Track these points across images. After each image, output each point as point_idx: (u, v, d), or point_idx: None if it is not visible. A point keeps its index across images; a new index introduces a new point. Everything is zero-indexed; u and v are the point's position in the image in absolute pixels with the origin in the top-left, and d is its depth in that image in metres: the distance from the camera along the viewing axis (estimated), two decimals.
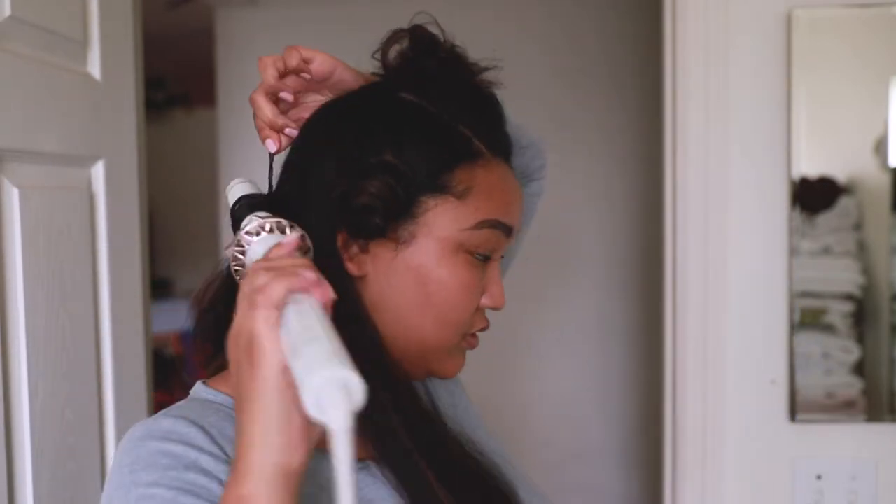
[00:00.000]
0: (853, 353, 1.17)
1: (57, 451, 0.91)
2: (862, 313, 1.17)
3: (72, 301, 0.95)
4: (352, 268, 0.65)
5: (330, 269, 0.64)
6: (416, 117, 0.66)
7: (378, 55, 0.69)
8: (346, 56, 0.70)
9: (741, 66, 1.18)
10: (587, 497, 2.41)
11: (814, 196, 1.16)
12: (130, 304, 1.09)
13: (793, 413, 1.19)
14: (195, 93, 3.95)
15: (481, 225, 0.64)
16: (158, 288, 3.51)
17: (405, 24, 0.69)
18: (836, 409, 1.18)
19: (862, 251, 1.16)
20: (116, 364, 1.04)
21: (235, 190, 0.67)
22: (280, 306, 0.50)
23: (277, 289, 0.50)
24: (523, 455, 2.40)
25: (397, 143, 0.64)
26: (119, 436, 1.03)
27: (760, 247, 1.19)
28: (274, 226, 0.61)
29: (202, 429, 0.60)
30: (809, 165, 1.16)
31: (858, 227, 1.16)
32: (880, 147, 1.15)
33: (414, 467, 0.61)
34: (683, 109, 1.18)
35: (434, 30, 0.68)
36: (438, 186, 0.64)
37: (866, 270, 1.16)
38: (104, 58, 1.04)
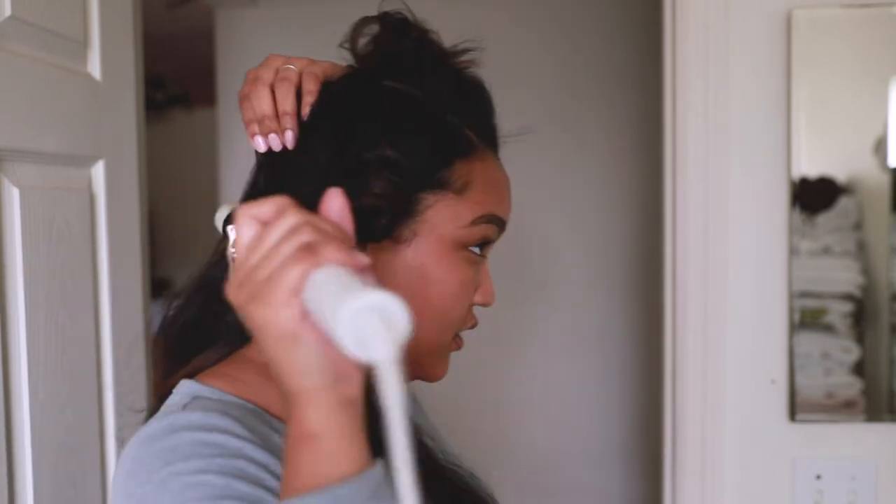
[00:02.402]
0: (853, 353, 1.17)
1: (57, 451, 0.91)
2: (862, 313, 1.17)
3: (72, 301, 0.95)
4: None
5: None
6: (409, 107, 0.62)
7: (347, 45, 0.66)
8: (346, 57, 0.70)
9: (741, 66, 1.18)
10: (587, 497, 2.41)
11: (813, 196, 1.16)
12: (130, 304, 1.10)
13: (792, 413, 1.19)
14: (195, 93, 3.95)
15: (479, 220, 0.62)
16: (158, 288, 3.51)
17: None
18: (836, 408, 1.18)
19: (862, 251, 1.17)
20: (116, 364, 1.04)
21: (222, 212, 0.64)
22: (299, 292, 0.43)
23: (290, 278, 0.42)
24: (523, 455, 2.41)
25: (394, 136, 0.60)
26: (119, 442, 1.03)
27: (760, 247, 1.19)
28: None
29: (236, 419, 0.55)
30: (809, 165, 1.16)
31: (858, 227, 1.16)
32: (880, 147, 1.15)
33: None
34: (683, 109, 1.19)
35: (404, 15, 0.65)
36: (438, 182, 0.61)
37: (866, 270, 1.17)
38: (104, 58, 1.05)
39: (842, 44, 1.16)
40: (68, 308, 0.94)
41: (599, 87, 2.35)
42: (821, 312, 1.17)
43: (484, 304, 0.66)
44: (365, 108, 0.62)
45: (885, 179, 1.15)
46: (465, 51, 0.66)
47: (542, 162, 2.31)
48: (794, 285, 1.17)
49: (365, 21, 0.65)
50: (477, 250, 0.64)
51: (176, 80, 3.93)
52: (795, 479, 1.20)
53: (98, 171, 1.03)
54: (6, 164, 0.84)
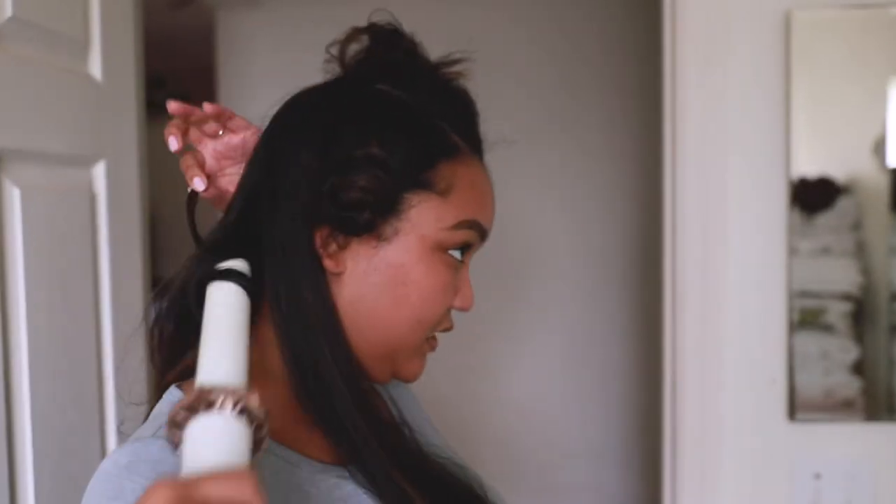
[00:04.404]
0: (852, 353, 1.17)
1: (58, 451, 0.91)
2: (861, 313, 1.17)
3: (73, 301, 0.96)
4: (330, 265, 0.62)
5: (307, 267, 0.62)
6: (397, 110, 0.64)
7: (334, 54, 0.68)
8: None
9: (740, 67, 1.18)
10: (587, 497, 2.41)
11: (813, 196, 1.16)
12: (131, 304, 1.10)
13: (792, 412, 1.19)
14: (196, 94, 3.95)
15: (461, 225, 0.64)
16: None
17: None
18: (835, 408, 1.18)
19: (861, 251, 1.17)
20: (117, 363, 1.04)
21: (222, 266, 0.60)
22: None
23: None
24: (521, 455, 2.41)
25: (382, 136, 0.62)
26: (122, 437, 1.03)
27: (759, 247, 1.19)
28: (208, 402, 0.43)
29: None
30: (808, 165, 1.16)
31: (857, 227, 1.17)
32: (879, 147, 1.15)
33: (389, 476, 0.60)
34: (683, 109, 1.19)
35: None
36: (422, 183, 0.62)
37: (865, 270, 1.17)
38: (105, 58, 1.05)
39: (840, 44, 1.17)
40: (69, 307, 0.95)
41: (599, 88, 2.35)
42: (820, 312, 1.17)
43: (462, 309, 0.67)
44: (356, 108, 0.64)
45: (884, 179, 1.16)
46: (453, 62, 0.67)
47: (542, 162, 2.31)
48: (793, 285, 1.18)
49: (355, 32, 0.67)
50: (458, 255, 0.65)
51: (176, 80, 3.93)
52: (794, 478, 1.20)
53: (99, 172, 1.04)
54: (7, 164, 0.84)
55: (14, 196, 0.85)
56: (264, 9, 2.44)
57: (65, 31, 0.97)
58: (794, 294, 1.18)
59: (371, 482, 0.60)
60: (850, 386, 1.17)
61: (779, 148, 1.17)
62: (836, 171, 1.16)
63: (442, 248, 0.63)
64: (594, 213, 2.39)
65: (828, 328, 1.17)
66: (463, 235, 0.64)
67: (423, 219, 0.62)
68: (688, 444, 1.22)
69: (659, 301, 1.29)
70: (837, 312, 1.17)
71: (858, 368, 1.17)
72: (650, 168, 1.85)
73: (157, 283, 0.69)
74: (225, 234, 0.65)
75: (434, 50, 0.69)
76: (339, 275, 0.63)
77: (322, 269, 0.62)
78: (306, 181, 0.61)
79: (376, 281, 0.62)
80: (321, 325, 0.62)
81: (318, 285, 0.62)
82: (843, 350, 1.17)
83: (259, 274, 0.63)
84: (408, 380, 0.67)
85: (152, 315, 0.67)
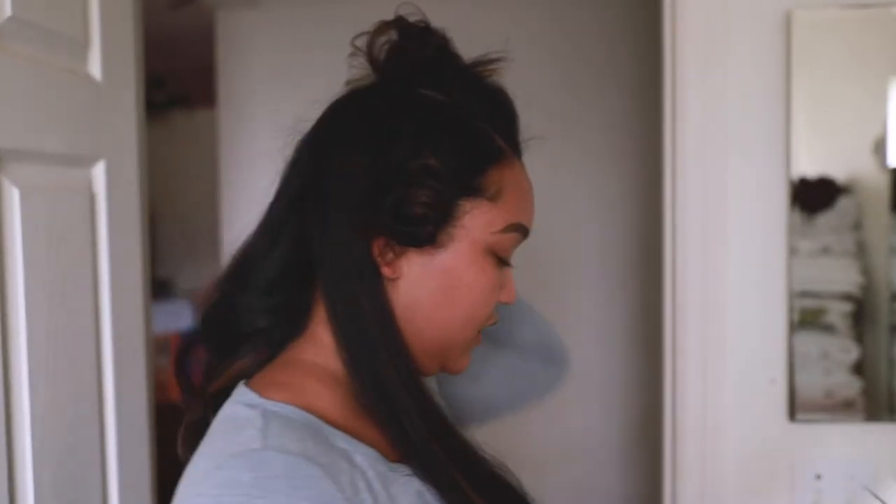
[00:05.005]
0: (852, 353, 1.17)
1: (58, 451, 0.91)
2: (861, 313, 1.17)
3: (73, 301, 0.95)
4: (387, 272, 0.63)
5: (365, 276, 0.62)
6: (443, 115, 0.64)
7: (360, 48, 0.66)
8: (345, 57, 0.70)
9: (740, 66, 1.18)
10: (587, 497, 2.41)
11: (813, 196, 1.16)
12: (131, 304, 1.10)
13: (792, 413, 1.19)
14: (195, 93, 3.95)
15: (510, 228, 0.65)
16: (159, 288, 3.51)
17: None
18: (836, 408, 1.18)
19: (861, 251, 1.17)
20: (117, 364, 1.04)
21: None
22: None
23: None
24: (521, 454, 2.40)
25: (434, 146, 0.62)
26: (120, 437, 1.03)
27: (760, 247, 1.19)
28: None
29: (321, 467, 0.55)
30: (808, 165, 1.16)
31: (857, 227, 1.16)
32: (879, 147, 1.15)
33: (453, 479, 0.61)
34: (683, 109, 1.19)
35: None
36: (473, 189, 0.63)
37: (865, 270, 1.17)
38: (105, 58, 1.05)
39: (841, 44, 1.16)
40: (69, 308, 0.94)
41: (599, 88, 2.35)
42: (820, 312, 1.17)
43: (507, 303, 0.70)
44: (404, 116, 0.63)
45: (885, 179, 1.15)
46: (489, 60, 0.68)
47: (542, 162, 2.31)
48: (793, 285, 1.18)
49: (384, 26, 0.66)
50: (504, 257, 0.67)
51: (176, 80, 3.93)
52: (794, 478, 1.20)
53: (98, 172, 1.03)
54: (6, 164, 0.84)
55: (13, 196, 0.84)
56: (264, 8, 2.43)
57: (65, 31, 0.97)
58: (795, 294, 1.18)
59: (434, 484, 0.61)
60: (850, 386, 1.17)
61: (779, 148, 1.17)
62: (837, 171, 1.16)
63: (492, 251, 0.65)
64: (594, 213, 2.39)
65: (828, 328, 1.17)
66: (511, 237, 0.66)
67: (475, 224, 0.64)
68: (688, 444, 1.21)
69: (659, 301, 1.29)
70: (837, 312, 1.17)
71: (858, 368, 1.17)
72: (650, 168, 1.85)
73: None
74: (263, 236, 0.66)
75: None
76: (394, 280, 0.63)
77: (380, 277, 0.63)
78: (359, 191, 0.61)
79: (432, 285, 0.64)
80: (380, 332, 0.62)
81: (377, 293, 0.63)
82: (844, 350, 1.17)
83: (311, 278, 0.64)
84: (455, 373, 0.70)
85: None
